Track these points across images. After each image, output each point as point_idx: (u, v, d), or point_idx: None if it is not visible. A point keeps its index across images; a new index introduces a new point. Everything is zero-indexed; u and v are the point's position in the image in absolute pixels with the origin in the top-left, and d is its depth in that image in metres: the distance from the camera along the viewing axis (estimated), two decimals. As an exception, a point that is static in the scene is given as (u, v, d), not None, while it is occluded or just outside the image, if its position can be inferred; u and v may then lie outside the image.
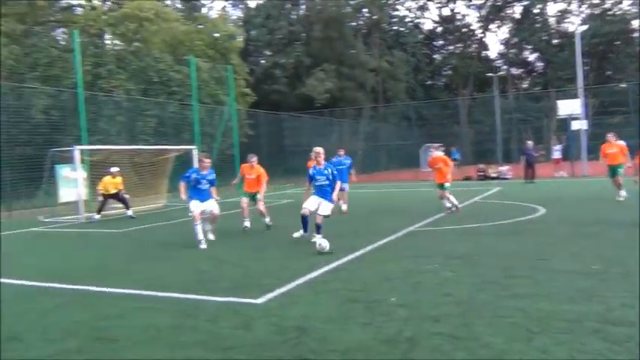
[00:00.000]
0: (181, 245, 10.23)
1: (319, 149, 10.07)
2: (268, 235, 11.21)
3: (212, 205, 10.09)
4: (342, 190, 14.29)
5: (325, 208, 9.58)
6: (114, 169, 16.24)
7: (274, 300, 5.86)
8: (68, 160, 17.68)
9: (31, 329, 5.16)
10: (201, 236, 9.71)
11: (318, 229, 9.44)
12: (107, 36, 30.35)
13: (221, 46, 35.62)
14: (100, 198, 16.21)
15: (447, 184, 13.40)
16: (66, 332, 5.03)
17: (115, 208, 17.11)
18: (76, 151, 16.40)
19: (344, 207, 14.50)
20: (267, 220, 11.95)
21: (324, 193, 9.71)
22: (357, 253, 8.46)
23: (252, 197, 12.16)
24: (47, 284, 7.14)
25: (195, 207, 9.78)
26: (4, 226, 14.96)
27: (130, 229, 13.25)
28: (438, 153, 14.39)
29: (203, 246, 9.56)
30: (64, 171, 17.71)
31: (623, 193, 14.61)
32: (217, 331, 4.88)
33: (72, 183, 17.19)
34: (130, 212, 16.12)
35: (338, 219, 13.63)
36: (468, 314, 5.07)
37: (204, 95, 30.41)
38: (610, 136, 15.32)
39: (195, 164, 20.56)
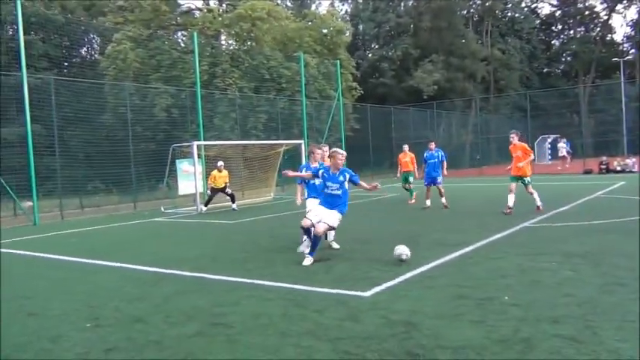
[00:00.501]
0: (289, 237, 10.50)
1: (333, 150, 8.22)
2: (376, 228, 11.18)
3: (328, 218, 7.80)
4: (436, 184, 14.21)
5: (333, 217, 7.80)
6: (219, 163, 16.99)
7: (382, 293, 5.84)
8: (187, 155, 18.83)
9: (154, 312, 5.55)
10: (303, 247, 8.32)
11: (314, 240, 7.68)
12: (222, 36, 31.83)
13: (329, 42, 36.07)
14: (209, 192, 17.09)
15: (528, 179, 12.42)
16: (185, 316, 5.35)
17: (223, 202, 17.88)
18: (194, 146, 17.40)
19: (443, 200, 14.35)
20: None
21: (334, 203, 7.92)
22: (468, 249, 8.19)
23: None
24: (168, 271, 7.65)
25: (312, 215, 8.01)
26: (130, 217, 16.26)
27: (242, 221, 13.83)
28: (516, 140, 12.72)
29: (303, 250, 8.19)
30: (183, 165, 18.89)
31: None
32: (325, 322, 4.94)
33: (190, 176, 18.28)
34: (234, 206, 16.86)
35: (444, 213, 13.31)
36: (591, 316, 4.72)
37: (313, 90, 30.97)
38: None
39: (304, 159, 21.02)
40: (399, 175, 16.77)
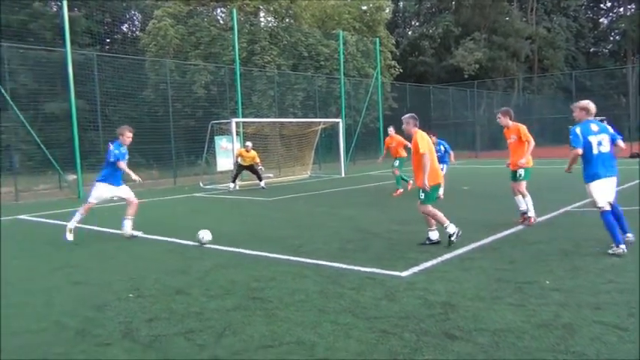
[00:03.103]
0: (327, 215, 10.53)
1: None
2: (413, 208, 11.08)
3: None
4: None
5: None
6: (247, 144, 16.85)
7: (420, 274, 5.80)
8: (225, 132, 19.02)
9: (194, 285, 5.67)
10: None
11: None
12: (261, 13, 31.75)
13: (369, 19, 35.57)
14: (235, 168, 16.98)
15: (520, 172, 8.80)
16: (224, 290, 5.45)
17: (252, 179, 17.85)
18: (233, 123, 17.54)
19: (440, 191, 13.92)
20: None
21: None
22: (507, 232, 8.06)
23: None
24: (208, 245, 7.79)
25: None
26: (170, 192, 16.56)
27: (279, 198, 13.93)
28: (508, 121, 9.14)
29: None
30: (221, 142, 19.10)
31: None
32: (362, 300, 4.95)
33: (228, 153, 18.47)
34: (262, 184, 16.77)
35: (485, 196, 13.09)
36: (634, 304, 4.58)
37: (351, 68, 30.70)
38: None
39: (341, 138, 20.91)
40: (380, 160, 15.35)
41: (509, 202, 11.38)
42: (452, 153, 13.80)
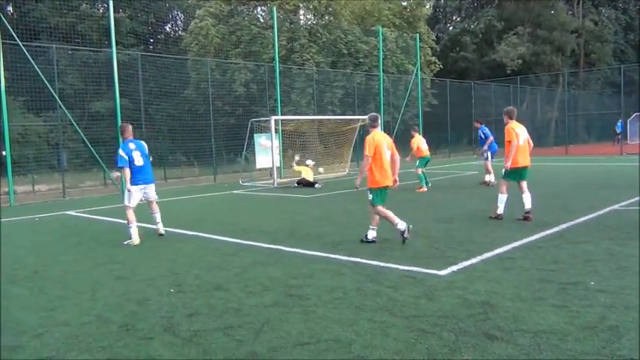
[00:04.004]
0: (364, 213, 10.49)
1: None
2: (454, 207, 10.94)
3: None
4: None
5: None
6: (309, 162, 17.13)
7: (459, 273, 5.72)
8: (264, 129, 19.17)
9: (233, 281, 5.75)
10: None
11: None
12: (301, 11, 31.85)
13: (409, 15, 35.24)
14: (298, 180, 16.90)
15: (503, 171, 9.16)
16: (262, 286, 5.50)
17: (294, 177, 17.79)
18: (272, 121, 17.66)
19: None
20: None
21: None
22: (550, 231, 7.86)
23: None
24: (246, 242, 7.89)
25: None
26: (210, 189, 16.81)
27: (317, 196, 13.96)
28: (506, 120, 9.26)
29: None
30: (260, 139, 19.27)
31: None
32: (400, 298, 4.92)
33: (267, 151, 18.62)
34: (317, 185, 16.55)
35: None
36: (687, 308, 4.40)
37: (390, 65, 30.49)
38: None
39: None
40: (409, 158, 14.92)
41: (551, 201, 11.12)
42: (490, 139, 14.95)
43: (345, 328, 4.20)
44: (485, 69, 44.17)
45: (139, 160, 8.33)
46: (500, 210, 9.02)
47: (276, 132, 18.47)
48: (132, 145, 8.35)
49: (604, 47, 47.66)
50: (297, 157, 17.51)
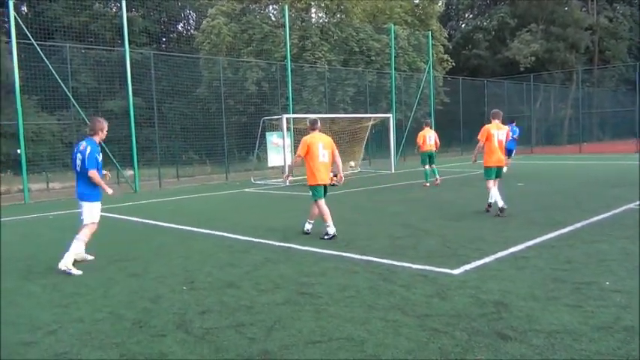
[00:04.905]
0: (375, 211, 10.47)
1: None
2: (466, 205, 10.88)
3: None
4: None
5: None
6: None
7: (471, 272, 5.69)
8: (276, 127, 19.20)
9: (245, 279, 5.75)
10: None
11: None
12: (312, 9, 31.84)
13: (421, 12, 35.09)
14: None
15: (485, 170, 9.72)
16: (274, 284, 5.50)
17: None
18: (284, 119, 17.68)
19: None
20: None
21: None
22: (564, 230, 7.78)
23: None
24: (257, 240, 7.91)
25: None
26: (222, 187, 16.86)
27: (329, 194, 13.90)
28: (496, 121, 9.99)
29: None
30: (272, 138, 19.29)
31: None
32: (413, 297, 4.89)
33: (279, 149, 18.64)
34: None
35: (539, 192, 12.69)
36: None
37: (402, 63, 30.38)
38: None
39: (392, 133, 20.75)
40: (417, 152, 15.83)
41: (565, 200, 11.01)
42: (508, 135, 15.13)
43: (357, 327, 4.19)
44: (498, 66, 43.84)
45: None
46: (500, 203, 9.31)
47: (287, 130, 18.48)
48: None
49: (619, 44, 47.11)
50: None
